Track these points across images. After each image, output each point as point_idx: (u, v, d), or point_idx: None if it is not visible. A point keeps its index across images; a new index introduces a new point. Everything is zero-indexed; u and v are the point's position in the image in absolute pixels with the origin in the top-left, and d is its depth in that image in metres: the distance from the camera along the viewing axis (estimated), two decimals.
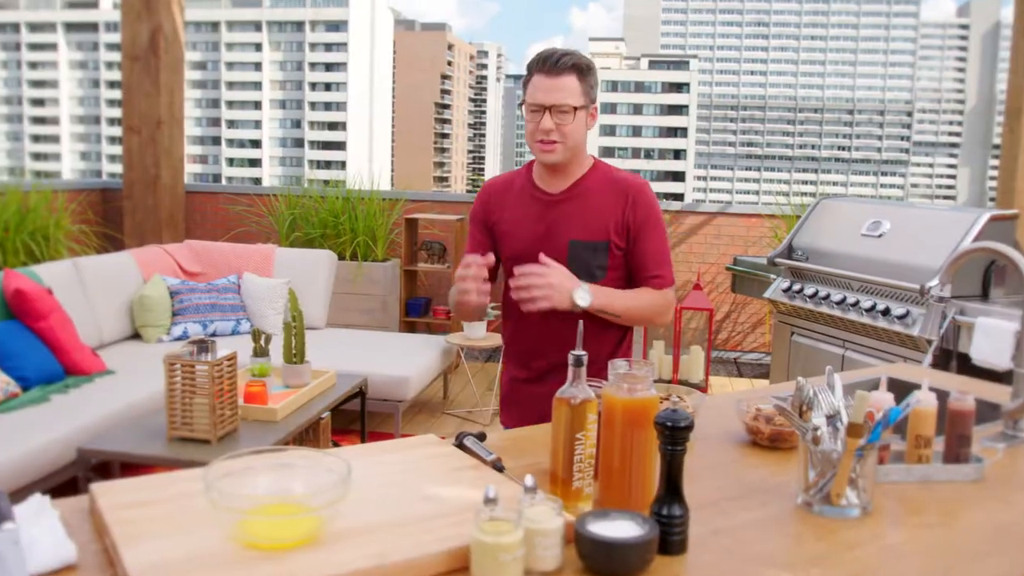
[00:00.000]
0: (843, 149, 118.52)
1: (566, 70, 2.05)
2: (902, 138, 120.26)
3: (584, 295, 2.00)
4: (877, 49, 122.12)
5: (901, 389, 1.81)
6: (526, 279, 1.97)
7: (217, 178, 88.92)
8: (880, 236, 3.82)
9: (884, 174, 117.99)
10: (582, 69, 2.07)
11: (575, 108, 2.06)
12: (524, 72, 2.17)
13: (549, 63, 2.06)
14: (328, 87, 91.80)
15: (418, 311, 6.36)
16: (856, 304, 3.72)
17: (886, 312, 3.56)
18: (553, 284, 1.97)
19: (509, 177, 2.30)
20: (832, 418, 1.45)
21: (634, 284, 2.20)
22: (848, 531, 1.34)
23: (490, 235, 2.26)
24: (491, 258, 2.04)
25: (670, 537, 1.21)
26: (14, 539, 1.15)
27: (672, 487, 1.23)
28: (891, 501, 1.48)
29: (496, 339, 5.17)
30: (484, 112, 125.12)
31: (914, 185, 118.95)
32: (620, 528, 1.16)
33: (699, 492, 1.41)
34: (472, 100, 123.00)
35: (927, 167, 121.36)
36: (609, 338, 2.20)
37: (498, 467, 1.44)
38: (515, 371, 2.29)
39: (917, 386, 1.66)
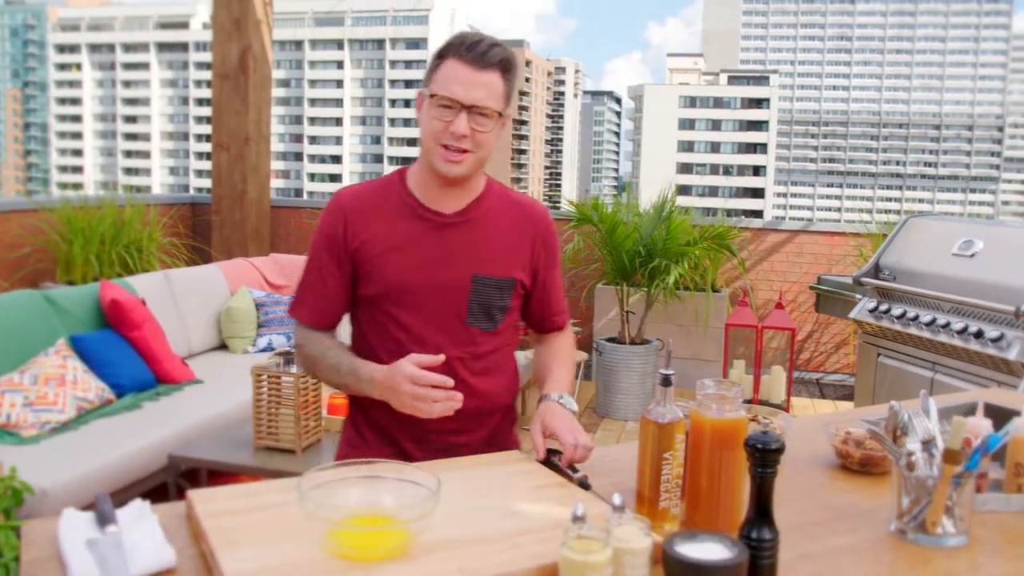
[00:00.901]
0: (929, 165, 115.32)
1: (493, 65, 1.67)
2: (992, 154, 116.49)
3: (571, 400, 1.75)
4: (966, 62, 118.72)
5: (998, 415, 1.75)
6: (580, 450, 1.58)
7: (299, 192, 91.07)
8: (972, 256, 3.71)
9: (973, 191, 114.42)
10: (509, 66, 1.71)
11: (499, 114, 1.70)
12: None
13: (476, 51, 1.66)
14: (408, 103, 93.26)
15: None
16: (947, 326, 3.61)
17: (979, 334, 3.45)
18: (579, 430, 1.64)
19: (373, 188, 1.82)
20: (927, 444, 1.41)
21: (537, 324, 1.95)
22: (944, 561, 1.30)
23: (348, 264, 1.77)
24: (441, 358, 1.62)
25: (759, 561, 1.19)
26: (117, 542, 1.20)
27: (762, 510, 1.21)
28: (989, 531, 1.43)
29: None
30: (561, 128, 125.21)
31: (1005, 203, 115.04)
32: (709, 550, 1.14)
33: (787, 515, 1.38)
34: (549, 116, 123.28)
35: (1019, 184, 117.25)
36: (506, 386, 1.89)
37: (585, 485, 1.44)
38: (390, 442, 1.82)
39: (1015, 412, 1.61)
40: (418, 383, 1.58)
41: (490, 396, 1.82)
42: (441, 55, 1.69)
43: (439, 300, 1.74)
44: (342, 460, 1.70)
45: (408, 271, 1.74)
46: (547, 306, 1.92)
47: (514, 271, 1.80)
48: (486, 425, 1.84)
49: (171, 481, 3.26)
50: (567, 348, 1.97)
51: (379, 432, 1.82)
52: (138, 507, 1.32)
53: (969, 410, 1.85)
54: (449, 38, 1.72)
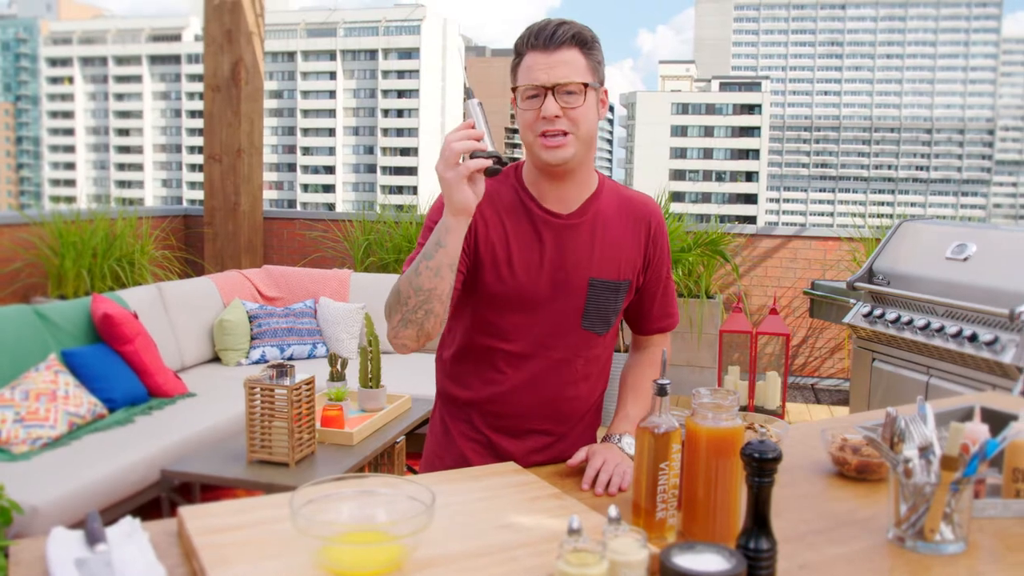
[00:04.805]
0: (921, 169, 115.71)
1: (566, 43, 1.65)
2: (983, 157, 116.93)
3: (631, 443, 1.70)
4: (956, 66, 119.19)
5: (995, 419, 1.74)
6: (606, 474, 1.59)
7: (292, 204, 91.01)
8: (966, 259, 3.71)
9: (965, 194, 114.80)
10: (586, 41, 1.67)
11: (585, 86, 1.65)
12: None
13: (544, 36, 1.65)
14: (400, 113, 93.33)
15: None
16: (941, 330, 3.61)
17: (973, 338, 3.45)
18: (621, 463, 1.62)
19: (490, 182, 1.72)
20: (925, 450, 1.40)
21: (641, 325, 1.93)
22: (943, 568, 1.29)
23: (472, 241, 1.72)
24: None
25: (757, 572, 1.17)
26: (106, 561, 1.18)
27: (759, 520, 1.19)
28: (988, 538, 1.42)
29: None
30: None
31: (996, 205, 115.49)
32: (706, 561, 1.13)
33: (784, 525, 1.38)
34: None
35: (1010, 186, 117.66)
36: (601, 388, 1.90)
37: (492, 171, 1.44)
38: (473, 430, 1.84)
39: (1012, 417, 1.60)
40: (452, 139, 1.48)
41: (588, 398, 1.85)
42: (517, 52, 1.70)
43: (557, 304, 1.74)
44: (428, 466, 1.89)
45: (527, 276, 1.72)
46: (651, 307, 1.90)
47: (628, 273, 1.80)
48: (578, 424, 1.86)
49: (164, 496, 3.24)
50: (654, 367, 1.91)
51: (466, 425, 1.84)
52: (128, 524, 1.31)
53: (965, 415, 1.84)
54: (522, 33, 1.70)
